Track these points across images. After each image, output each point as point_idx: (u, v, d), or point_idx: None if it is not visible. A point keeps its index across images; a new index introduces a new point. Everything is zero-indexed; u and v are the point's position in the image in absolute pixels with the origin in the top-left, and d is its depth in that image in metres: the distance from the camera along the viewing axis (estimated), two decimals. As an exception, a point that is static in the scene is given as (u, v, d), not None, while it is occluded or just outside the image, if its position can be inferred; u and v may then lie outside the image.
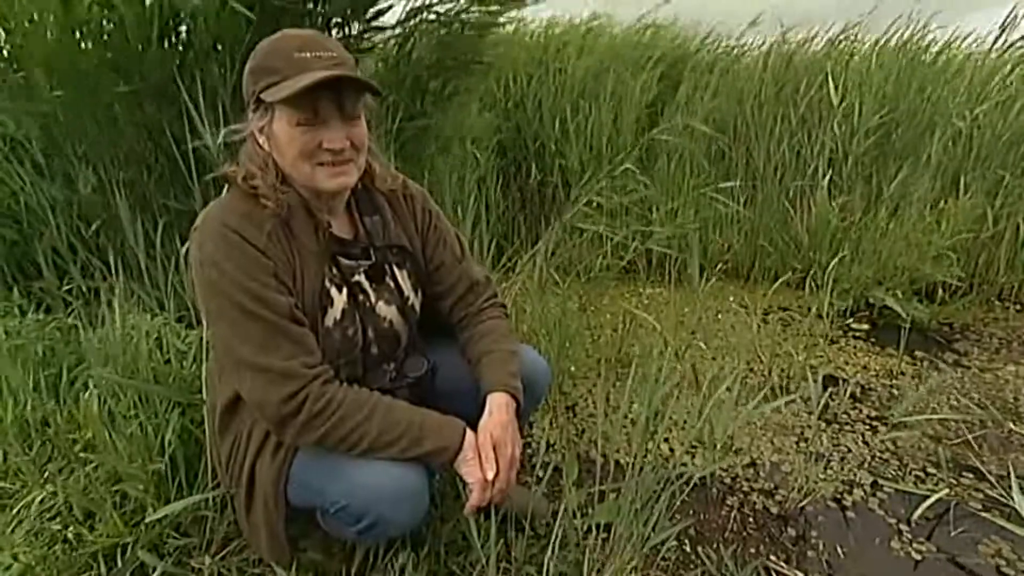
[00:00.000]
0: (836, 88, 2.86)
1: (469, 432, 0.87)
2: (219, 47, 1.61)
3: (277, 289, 0.82)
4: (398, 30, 1.96)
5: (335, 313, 0.90)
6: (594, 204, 2.48)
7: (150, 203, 1.67)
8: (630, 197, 2.82)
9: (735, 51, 3.53)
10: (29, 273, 1.79)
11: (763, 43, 3.47)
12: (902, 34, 3.20)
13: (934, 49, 3.20)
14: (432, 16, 1.94)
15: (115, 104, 1.61)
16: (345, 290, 0.92)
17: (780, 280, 2.18)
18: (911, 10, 3.14)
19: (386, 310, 0.97)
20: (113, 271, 1.50)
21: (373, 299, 0.96)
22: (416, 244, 1.02)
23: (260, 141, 0.86)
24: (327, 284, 0.89)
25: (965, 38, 3.25)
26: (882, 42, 3.21)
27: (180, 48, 1.65)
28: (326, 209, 0.92)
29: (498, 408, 0.91)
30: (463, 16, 1.99)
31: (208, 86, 1.53)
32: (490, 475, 0.85)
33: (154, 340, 1.36)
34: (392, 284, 0.98)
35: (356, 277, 0.94)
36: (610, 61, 3.18)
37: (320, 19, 1.78)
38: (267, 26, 1.63)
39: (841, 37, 3.33)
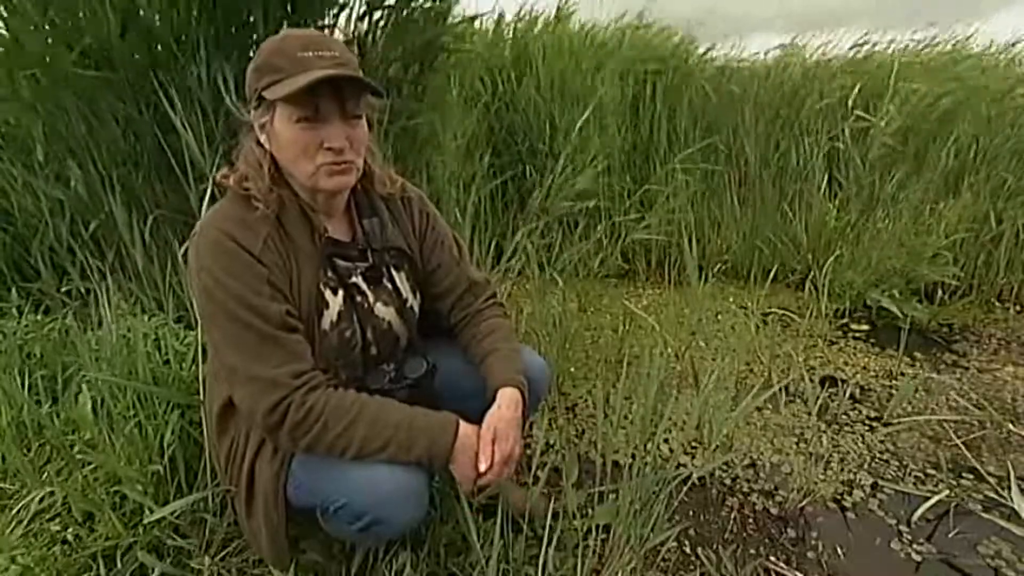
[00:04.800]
0: (859, 91, 2.86)
1: (462, 428, 0.87)
2: (183, 40, 1.58)
3: (271, 297, 0.82)
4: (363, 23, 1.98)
5: (331, 315, 0.90)
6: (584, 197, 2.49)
7: (142, 201, 1.66)
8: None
9: (731, 53, 3.54)
10: (27, 274, 1.79)
11: (747, 47, 3.48)
12: (925, 40, 3.23)
13: (947, 52, 3.22)
14: (389, 3, 1.96)
15: (96, 97, 1.60)
16: (341, 292, 0.92)
17: (780, 281, 2.19)
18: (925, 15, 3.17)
19: (384, 311, 0.97)
20: (110, 272, 1.50)
21: (371, 300, 0.96)
22: (414, 246, 1.02)
23: (261, 139, 0.86)
24: (322, 287, 0.90)
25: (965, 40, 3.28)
26: (901, 47, 3.23)
27: (148, 40, 1.61)
28: (324, 210, 0.92)
29: (507, 403, 0.92)
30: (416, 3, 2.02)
31: (181, 82, 1.52)
32: (482, 467, 0.86)
33: (152, 341, 1.35)
34: (390, 286, 0.98)
35: (353, 279, 0.94)
36: (592, 60, 3.18)
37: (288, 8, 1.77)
38: (235, 19, 1.62)
39: (860, 42, 3.34)
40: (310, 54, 0.80)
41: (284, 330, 0.82)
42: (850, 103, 2.86)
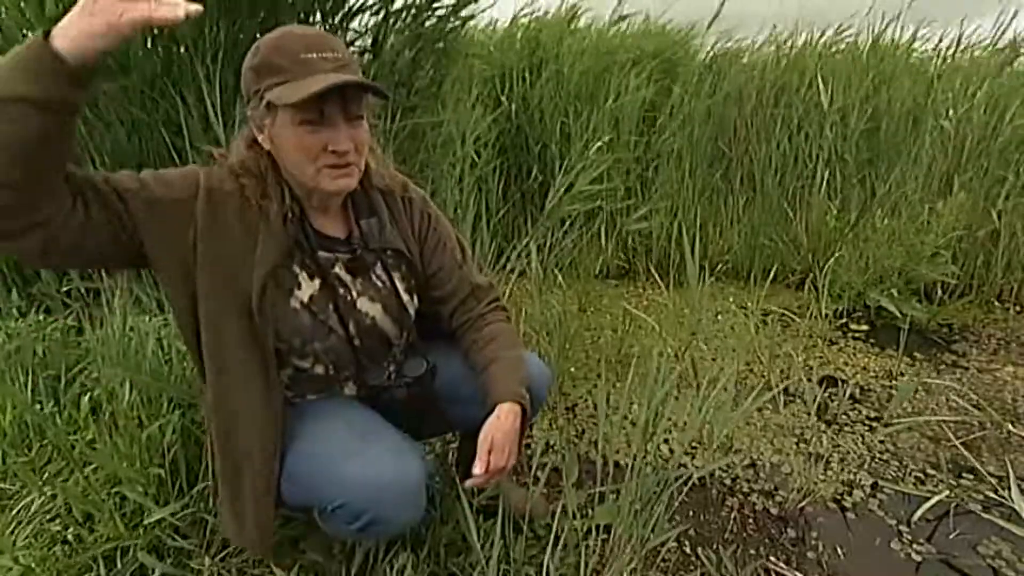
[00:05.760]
0: (827, 89, 2.88)
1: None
2: (202, 44, 1.59)
3: (165, 183, 0.80)
4: (371, 22, 1.99)
5: (302, 296, 0.89)
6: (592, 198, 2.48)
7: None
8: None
9: (730, 51, 3.55)
10: (28, 275, 1.79)
11: (756, 44, 3.49)
12: (892, 36, 3.24)
13: (923, 50, 3.24)
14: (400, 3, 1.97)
15: (99, 103, 1.60)
16: (319, 280, 0.91)
17: (779, 281, 2.19)
18: (901, 12, 3.18)
19: (369, 307, 0.96)
20: (109, 272, 1.50)
21: (354, 294, 0.94)
22: (414, 248, 1.01)
23: (259, 138, 0.85)
24: (296, 268, 0.89)
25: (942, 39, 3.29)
26: (870, 43, 3.23)
27: (164, 44, 1.63)
28: (320, 207, 0.91)
29: (506, 415, 0.92)
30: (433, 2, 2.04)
31: (195, 85, 1.52)
32: (477, 470, 0.86)
33: (155, 341, 1.36)
34: (380, 283, 0.97)
35: (335, 270, 0.93)
36: (603, 60, 3.18)
37: (298, 12, 1.77)
38: (240, 16, 1.63)
39: (833, 38, 3.36)
40: (313, 55, 0.78)
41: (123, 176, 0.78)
42: (824, 101, 2.86)
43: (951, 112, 2.71)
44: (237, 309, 0.83)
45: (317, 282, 0.91)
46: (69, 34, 0.60)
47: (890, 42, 3.23)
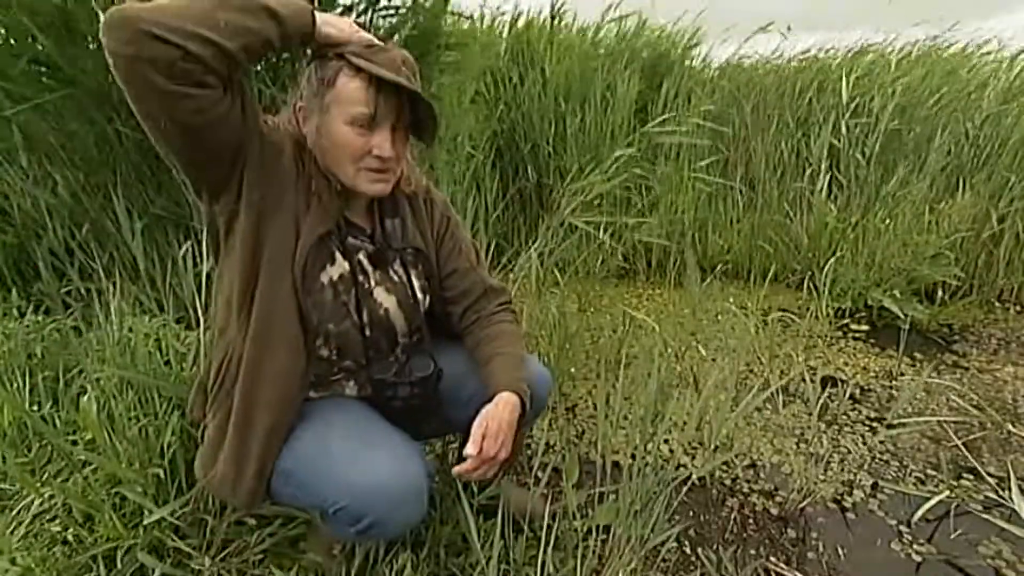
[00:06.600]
0: (848, 86, 2.87)
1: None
2: None
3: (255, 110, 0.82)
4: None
5: (332, 274, 0.90)
6: (593, 203, 2.48)
7: (130, 205, 1.66)
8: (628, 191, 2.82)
9: (736, 54, 3.55)
10: (27, 275, 1.79)
11: (766, 48, 3.49)
12: (921, 39, 3.25)
13: (950, 52, 3.25)
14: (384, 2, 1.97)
15: (63, 112, 1.60)
16: (347, 263, 0.92)
17: (780, 281, 2.19)
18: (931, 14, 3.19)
19: (384, 298, 0.97)
20: (106, 274, 1.50)
21: (372, 283, 0.96)
22: (431, 248, 1.03)
23: (304, 131, 0.87)
24: (332, 243, 0.90)
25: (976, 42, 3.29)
26: (899, 47, 3.24)
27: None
28: (352, 203, 0.94)
29: (504, 404, 0.92)
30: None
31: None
32: (468, 451, 0.86)
33: (153, 341, 1.36)
34: (397, 277, 0.99)
35: (358, 256, 0.95)
36: (594, 61, 3.18)
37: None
38: None
39: (862, 42, 3.36)
40: (401, 67, 0.84)
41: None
42: (844, 97, 2.86)
43: (976, 116, 2.72)
44: (291, 262, 0.86)
45: (346, 264, 0.92)
46: (325, 16, 0.81)
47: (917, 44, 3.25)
